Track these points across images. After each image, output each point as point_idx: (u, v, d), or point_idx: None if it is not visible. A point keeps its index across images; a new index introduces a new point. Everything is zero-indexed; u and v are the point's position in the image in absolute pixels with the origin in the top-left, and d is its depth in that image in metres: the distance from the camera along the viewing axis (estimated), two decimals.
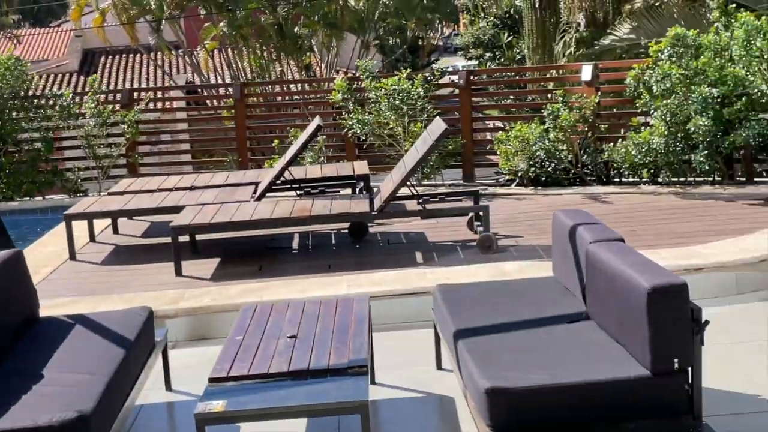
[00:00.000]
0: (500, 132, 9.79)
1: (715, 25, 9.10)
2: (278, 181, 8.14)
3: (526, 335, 4.24)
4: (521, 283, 5.22)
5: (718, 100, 8.47)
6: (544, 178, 9.48)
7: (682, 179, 9.06)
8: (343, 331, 4.41)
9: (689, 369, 3.68)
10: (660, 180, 9.05)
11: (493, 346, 4.06)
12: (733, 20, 8.80)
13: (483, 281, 5.61)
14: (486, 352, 3.96)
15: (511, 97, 12.89)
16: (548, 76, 12.72)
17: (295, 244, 7.79)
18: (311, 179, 8.44)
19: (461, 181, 10.30)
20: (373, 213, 7.10)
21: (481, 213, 7.19)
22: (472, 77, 10.60)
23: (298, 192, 8.14)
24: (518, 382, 3.58)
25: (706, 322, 3.68)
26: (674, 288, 3.62)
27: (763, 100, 8.31)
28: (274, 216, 7.07)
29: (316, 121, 8.29)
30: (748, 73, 8.33)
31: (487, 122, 13.23)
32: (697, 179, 9.11)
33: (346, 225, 7.69)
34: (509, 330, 4.28)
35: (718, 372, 4.68)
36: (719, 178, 9.05)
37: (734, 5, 9.19)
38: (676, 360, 3.63)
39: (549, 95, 10.07)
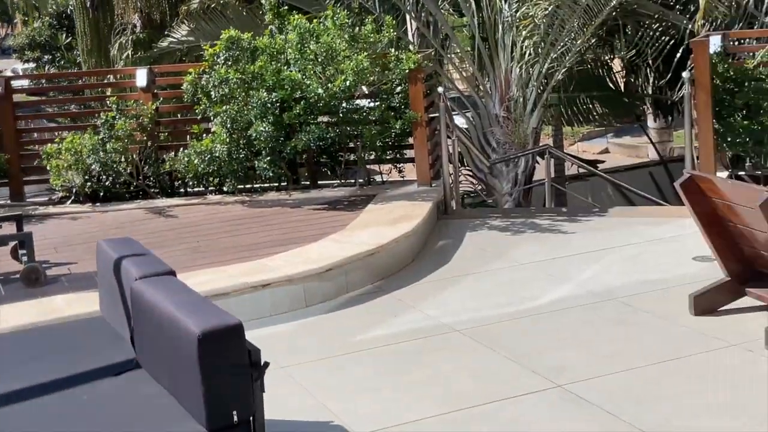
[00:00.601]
0: (49, 144, 8.81)
1: (270, 27, 8.91)
2: None
3: (63, 399, 3.52)
4: (63, 328, 4.50)
5: (278, 104, 8.28)
6: (102, 193, 8.68)
7: (248, 187, 8.78)
8: None
9: (251, 419, 3.24)
10: (226, 189, 8.68)
11: (19, 421, 3.31)
12: (286, 23, 8.66)
13: (20, 325, 4.77)
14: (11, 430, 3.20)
15: (74, 104, 11.87)
16: (106, 81, 11.84)
17: None
18: None
19: (9, 201, 9.13)
20: None
21: (24, 241, 6.28)
22: (13, 84, 9.45)
23: None
24: None
25: (266, 364, 3.26)
26: (228, 331, 3.14)
27: (321, 104, 8.25)
28: None
29: None
30: (304, 76, 8.23)
31: (57, 133, 11.99)
32: (263, 186, 8.87)
33: None
34: (42, 393, 3.54)
35: (290, 400, 4.34)
36: (285, 184, 8.90)
37: (287, 7, 9.07)
38: (235, 412, 3.16)
39: (108, 102, 9.26)
